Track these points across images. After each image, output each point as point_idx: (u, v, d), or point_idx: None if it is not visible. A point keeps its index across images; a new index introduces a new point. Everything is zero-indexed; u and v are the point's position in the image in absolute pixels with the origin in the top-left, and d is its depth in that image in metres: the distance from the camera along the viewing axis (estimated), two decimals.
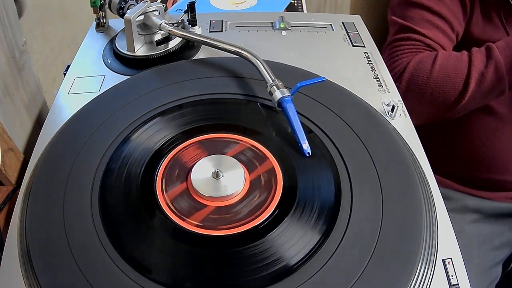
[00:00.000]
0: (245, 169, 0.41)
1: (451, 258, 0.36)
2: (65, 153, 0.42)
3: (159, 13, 0.55)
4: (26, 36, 0.59)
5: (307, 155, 0.42)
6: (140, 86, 0.50)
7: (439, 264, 0.35)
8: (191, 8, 0.58)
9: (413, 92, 0.69)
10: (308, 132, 0.44)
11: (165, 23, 0.53)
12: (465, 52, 0.69)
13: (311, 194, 0.39)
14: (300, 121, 0.43)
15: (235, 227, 0.37)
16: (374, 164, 0.41)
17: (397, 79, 0.70)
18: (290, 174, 0.41)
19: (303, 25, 0.62)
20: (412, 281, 0.33)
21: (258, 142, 0.44)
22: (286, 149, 0.43)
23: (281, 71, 0.49)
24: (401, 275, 0.33)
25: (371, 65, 0.55)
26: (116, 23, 0.62)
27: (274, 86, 0.45)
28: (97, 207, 0.38)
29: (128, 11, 0.53)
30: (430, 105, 0.70)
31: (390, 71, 0.54)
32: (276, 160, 0.42)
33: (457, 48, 0.77)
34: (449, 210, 0.39)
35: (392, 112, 0.47)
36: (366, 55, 0.57)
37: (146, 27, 0.55)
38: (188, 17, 0.58)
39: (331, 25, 0.63)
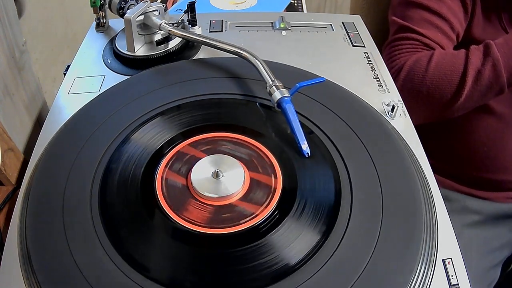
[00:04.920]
0: (245, 168, 0.41)
1: (451, 258, 0.36)
2: (65, 153, 0.42)
3: (159, 13, 0.55)
4: (26, 36, 0.59)
5: (306, 155, 0.42)
6: (140, 86, 0.50)
7: (439, 264, 0.35)
8: (191, 8, 0.58)
9: (409, 91, 0.69)
10: (308, 133, 0.44)
11: (165, 23, 0.53)
12: (462, 50, 0.68)
13: (311, 194, 0.39)
14: (300, 121, 0.43)
15: (235, 227, 0.37)
16: (374, 164, 0.41)
17: (394, 78, 0.70)
18: (290, 174, 0.41)
19: (303, 25, 0.62)
20: (412, 281, 0.33)
21: (258, 142, 0.44)
22: (286, 149, 0.43)
23: (281, 71, 0.49)
24: (401, 275, 0.33)
25: (371, 65, 0.55)
26: (116, 23, 0.62)
27: (274, 87, 0.45)
28: (97, 207, 0.38)
29: (128, 11, 0.53)
30: (427, 104, 0.70)
31: (389, 71, 0.54)
32: (276, 160, 0.42)
33: (458, 49, 0.76)
34: (448, 212, 0.39)
35: (392, 112, 0.47)
36: (366, 55, 0.57)
37: (146, 27, 0.55)
38: (188, 17, 0.58)
39: (331, 25, 0.63)
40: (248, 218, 0.37)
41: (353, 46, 0.58)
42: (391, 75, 0.53)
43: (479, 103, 0.70)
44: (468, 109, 0.71)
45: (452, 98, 0.68)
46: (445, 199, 0.40)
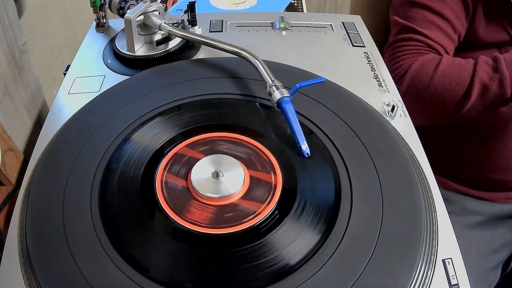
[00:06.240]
0: (245, 169, 0.41)
1: (451, 258, 0.36)
2: (65, 153, 0.42)
3: (159, 13, 0.55)
4: (26, 36, 0.59)
5: (306, 155, 0.41)
6: (140, 86, 0.50)
7: (439, 264, 0.35)
8: (191, 8, 0.58)
9: (413, 96, 0.69)
10: (308, 133, 0.44)
11: (165, 23, 0.53)
12: (470, 61, 0.67)
13: (311, 194, 0.39)
14: (300, 121, 0.43)
15: (235, 227, 0.37)
16: (374, 164, 0.41)
17: (398, 81, 0.69)
18: (290, 174, 0.41)
19: (303, 25, 0.62)
20: (412, 281, 0.33)
21: (258, 142, 0.44)
22: (286, 149, 0.43)
23: (281, 71, 0.49)
24: (401, 275, 0.33)
25: (371, 65, 0.55)
26: (116, 23, 0.62)
27: (273, 87, 0.45)
28: (97, 207, 0.38)
29: (128, 11, 0.53)
30: (429, 110, 0.70)
31: (391, 72, 0.54)
32: (276, 160, 0.42)
33: (460, 49, 0.76)
34: (449, 213, 0.39)
35: (392, 112, 0.47)
36: (366, 55, 0.57)
37: (146, 27, 0.55)
38: (188, 17, 0.58)
39: (331, 25, 0.63)
40: (248, 218, 0.37)
41: (353, 46, 0.58)
42: (394, 78, 0.53)
43: (483, 113, 0.69)
44: (471, 117, 0.70)
45: (455, 107, 0.67)
46: (446, 200, 0.40)
